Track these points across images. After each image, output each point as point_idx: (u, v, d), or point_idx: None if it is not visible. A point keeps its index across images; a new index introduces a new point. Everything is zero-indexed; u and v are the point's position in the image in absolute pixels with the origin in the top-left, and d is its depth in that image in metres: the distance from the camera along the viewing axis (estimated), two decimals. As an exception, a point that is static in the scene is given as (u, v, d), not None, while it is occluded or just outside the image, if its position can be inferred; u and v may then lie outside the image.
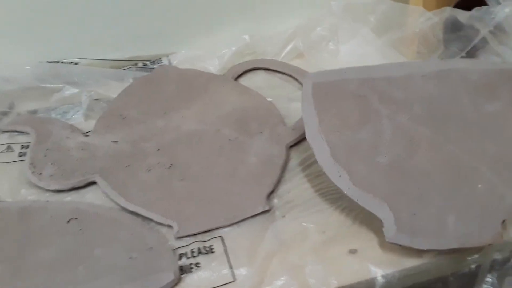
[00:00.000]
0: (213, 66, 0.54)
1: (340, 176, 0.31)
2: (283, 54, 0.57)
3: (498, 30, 0.42)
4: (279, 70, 0.54)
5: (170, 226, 0.34)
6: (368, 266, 0.30)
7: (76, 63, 0.53)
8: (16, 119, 0.45)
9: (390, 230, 0.29)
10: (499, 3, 0.42)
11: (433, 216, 0.30)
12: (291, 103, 0.48)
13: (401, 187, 0.31)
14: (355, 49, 0.55)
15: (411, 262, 0.30)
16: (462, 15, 0.45)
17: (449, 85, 0.33)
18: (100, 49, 0.54)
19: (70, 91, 0.48)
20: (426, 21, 0.47)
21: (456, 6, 0.46)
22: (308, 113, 0.34)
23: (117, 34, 0.55)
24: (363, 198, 0.31)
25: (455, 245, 0.29)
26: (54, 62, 0.51)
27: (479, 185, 0.30)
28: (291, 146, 0.42)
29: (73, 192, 0.38)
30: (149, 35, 0.56)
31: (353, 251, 0.31)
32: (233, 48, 0.55)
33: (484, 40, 0.44)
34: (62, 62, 0.52)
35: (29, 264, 0.30)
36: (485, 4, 0.44)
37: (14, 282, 0.29)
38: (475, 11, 0.44)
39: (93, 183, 0.38)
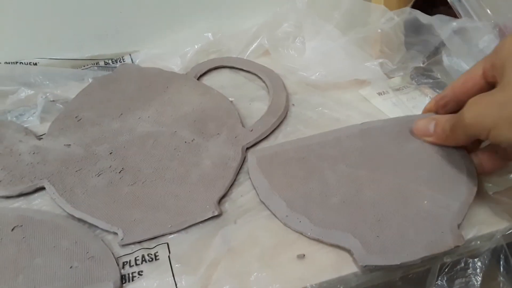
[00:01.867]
0: (175, 65, 0.53)
1: (300, 221, 0.33)
2: (248, 52, 0.56)
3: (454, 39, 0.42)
4: (243, 68, 0.53)
5: (115, 233, 0.33)
6: (315, 272, 0.30)
7: (35, 64, 0.52)
8: (-33, 122, 0.44)
9: (361, 255, 0.30)
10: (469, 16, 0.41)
11: (395, 234, 0.31)
12: (253, 103, 0.48)
13: (358, 217, 0.32)
14: (320, 46, 0.55)
15: (355, 268, 0.30)
16: (423, 18, 0.45)
17: (371, 138, 0.38)
18: (60, 48, 0.53)
19: (25, 92, 0.47)
20: (388, 21, 0.47)
21: (414, 6, 0.45)
22: (257, 179, 0.37)
23: (77, 33, 0.54)
24: (327, 234, 0.32)
25: (424, 253, 0.30)
26: (12, 63, 0.50)
27: (425, 202, 0.33)
28: (248, 148, 0.41)
29: (21, 198, 0.37)
30: (110, 33, 0.55)
31: (301, 257, 0.31)
32: (196, 46, 0.54)
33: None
34: (20, 63, 0.51)
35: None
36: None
37: None
38: (437, 18, 0.44)
39: (42, 188, 0.37)
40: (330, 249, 0.31)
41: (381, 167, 0.36)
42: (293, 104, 0.46)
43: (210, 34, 0.55)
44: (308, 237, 0.32)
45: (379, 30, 0.47)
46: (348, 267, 0.30)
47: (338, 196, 0.34)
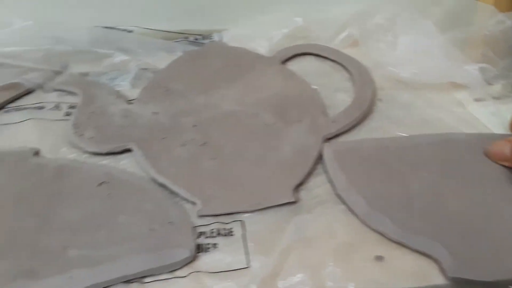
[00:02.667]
0: (262, 47, 0.53)
1: (381, 221, 0.31)
2: (336, 41, 0.55)
3: None
4: (330, 57, 0.52)
5: (194, 203, 0.34)
6: (394, 277, 0.29)
7: (130, 31, 0.54)
8: (66, 79, 0.47)
9: (451, 266, 0.28)
10: None
11: (487, 249, 0.29)
12: (337, 93, 0.46)
13: (445, 227, 0.31)
14: (414, 43, 0.52)
15: (441, 280, 0.28)
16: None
17: (454, 150, 0.37)
18: (154, 19, 0.55)
19: (120, 58, 0.49)
20: (497, 23, 0.43)
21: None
22: (335, 172, 0.36)
23: (172, 6, 0.55)
24: (411, 239, 0.30)
25: None
26: (109, 27, 0.53)
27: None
28: (329, 139, 0.40)
29: (109, 157, 0.39)
30: (203, 9, 0.56)
31: (379, 258, 0.30)
32: (285, 30, 0.54)
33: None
34: (116, 29, 0.53)
35: (56, 221, 0.31)
36: None
37: (39, 236, 0.30)
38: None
39: (129, 150, 0.39)
40: (412, 255, 0.29)
41: (466, 181, 0.34)
42: (380, 99, 0.45)
43: (300, 19, 0.54)
44: (389, 239, 0.30)
45: (487, 32, 0.44)
46: (432, 277, 0.28)
47: (422, 202, 0.32)
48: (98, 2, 0.53)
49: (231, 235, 0.32)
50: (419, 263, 0.29)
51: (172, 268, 0.29)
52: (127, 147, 0.39)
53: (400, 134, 0.40)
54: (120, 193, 0.34)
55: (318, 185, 0.36)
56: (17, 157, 0.37)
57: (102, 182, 0.35)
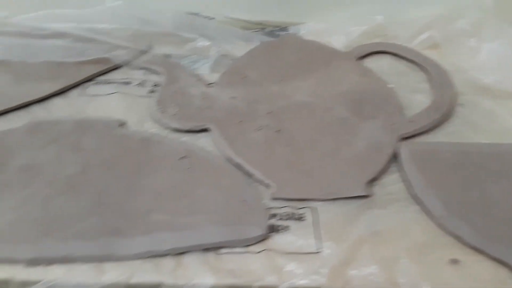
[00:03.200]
0: (338, 42, 0.53)
1: (459, 226, 0.31)
2: (415, 42, 0.54)
3: None
4: (408, 57, 0.51)
5: (267, 186, 0.35)
6: (470, 282, 0.28)
7: (211, 18, 0.56)
8: (152, 59, 0.50)
9: None
10: None
11: None
12: (415, 95, 0.46)
13: None
14: (498, 51, 0.50)
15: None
16: None
17: None
18: (234, 9, 0.57)
19: (202, 43, 0.51)
20: None
21: None
22: (411, 172, 0.35)
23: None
24: (491, 246, 0.30)
25: None
26: (192, 13, 0.55)
27: None
28: (405, 138, 0.40)
29: (188, 134, 0.41)
30: (281, 2, 0.57)
31: (454, 262, 0.29)
32: (364, 27, 0.54)
33: None
34: (199, 15, 0.55)
35: (141, 187, 0.34)
36: None
37: (125, 198, 0.33)
38: None
39: (207, 130, 0.41)
40: (490, 262, 0.29)
41: None
42: (461, 104, 0.43)
43: (381, 17, 0.54)
44: (465, 244, 0.30)
45: None
46: (509, 286, 0.27)
47: (502, 211, 0.32)
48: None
49: (303, 220, 0.32)
50: (496, 271, 0.28)
51: (246, 243, 0.30)
52: (206, 127, 0.41)
53: (480, 141, 0.39)
54: (199, 168, 0.36)
55: (391, 183, 0.36)
56: (106, 126, 0.40)
57: (184, 156, 0.37)
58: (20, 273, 0.29)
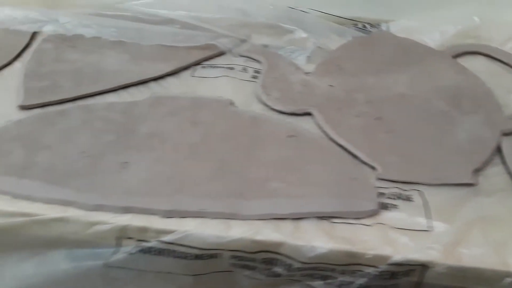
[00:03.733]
0: (432, 40, 0.54)
1: None
2: (509, 45, 0.53)
3: None
4: (504, 60, 0.51)
5: (373, 168, 0.37)
6: None
7: (306, 12, 0.58)
8: (253, 48, 0.53)
9: None
10: None
11: None
12: (511, 95, 0.46)
13: None
14: None
15: None
16: None
17: None
18: (328, 4, 0.59)
19: (299, 35, 0.54)
20: None
21: None
22: None
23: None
24: None
25: None
26: (290, 7, 0.58)
27: None
28: (506, 134, 0.40)
29: (291, 117, 0.43)
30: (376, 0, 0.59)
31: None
32: (459, 27, 0.54)
33: None
34: (294, 9, 0.58)
35: (257, 158, 0.37)
36: None
37: (245, 167, 0.36)
38: None
39: (308, 114, 0.43)
40: None
41: None
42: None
43: (477, 18, 0.54)
44: None
45: None
46: None
47: None
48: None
49: (411, 200, 0.34)
50: None
51: (359, 216, 0.32)
52: (308, 110, 0.43)
53: None
54: (307, 147, 0.38)
55: (495, 174, 0.37)
56: (218, 104, 0.43)
57: (290, 135, 0.39)
58: (157, 222, 0.32)
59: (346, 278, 0.31)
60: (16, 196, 0.33)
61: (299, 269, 0.31)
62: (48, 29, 0.56)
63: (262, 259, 0.31)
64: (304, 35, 0.54)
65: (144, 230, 0.32)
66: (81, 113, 0.41)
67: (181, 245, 0.31)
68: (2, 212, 0.33)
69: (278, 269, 0.31)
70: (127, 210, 0.32)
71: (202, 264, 0.32)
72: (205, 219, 0.32)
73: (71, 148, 0.37)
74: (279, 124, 0.41)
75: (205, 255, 0.31)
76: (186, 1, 0.58)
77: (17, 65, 0.50)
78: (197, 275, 0.33)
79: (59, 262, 0.33)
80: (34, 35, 0.55)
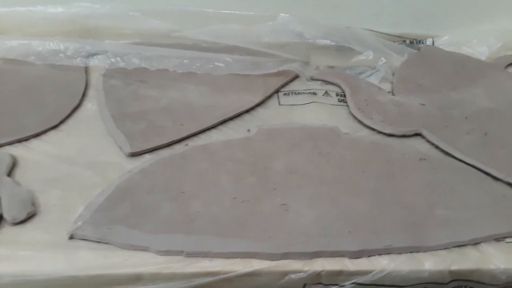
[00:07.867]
0: (480, 53, 0.58)
1: None
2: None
3: None
4: (547, 67, 0.56)
5: (509, 185, 0.39)
6: None
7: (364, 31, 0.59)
8: (327, 71, 0.53)
9: None
10: None
11: None
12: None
13: None
14: None
15: None
16: None
17: None
18: (377, 22, 0.61)
19: (367, 55, 0.55)
20: None
21: None
22: None
23: (394, 12, 0.61)
24: None
25: None
26: (347, 27, 0.58)
27: None
28: None
29: (400, 139, 0.44)
30: (420, 16, 0.61)
31: None
32: (504, 39, 0.59)
33: None
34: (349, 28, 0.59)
35: (405, 186, 0.37)
36: None
37: (401, 195, 0.36)
38: None
39: (417, 134, 0.44)
40: None
41: None
42: None
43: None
44: None
45: None
46: None
47: None
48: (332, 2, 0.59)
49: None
50: None
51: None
52: (417, 131, 0.44)
53: None
54: (443, 168, 0.39)
55: None
56: (331, 132, 0.43)
57: (422, 158, 0.40)
58: (348, 264, 0.31)
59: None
60: (189, 254, 0.30)
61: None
62: (102, 62, 0.51)
63: (452, 288, 0.32)
64: (371, 54, 0.55)
65: (338, 274, 0.31)
66: (204, 155, 0.38)
67: (378, 285, 0.31)
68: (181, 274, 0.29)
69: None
70: (315, 255, 0.31)
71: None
72: (392, 255, 0.32)
73: (220, 194, 0.34)
74: (402, 148, 0.42)
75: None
76: (239, 28, 0.56)
77: (87, 105, 0.46)
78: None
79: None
80: (86, 69, 0.50)
